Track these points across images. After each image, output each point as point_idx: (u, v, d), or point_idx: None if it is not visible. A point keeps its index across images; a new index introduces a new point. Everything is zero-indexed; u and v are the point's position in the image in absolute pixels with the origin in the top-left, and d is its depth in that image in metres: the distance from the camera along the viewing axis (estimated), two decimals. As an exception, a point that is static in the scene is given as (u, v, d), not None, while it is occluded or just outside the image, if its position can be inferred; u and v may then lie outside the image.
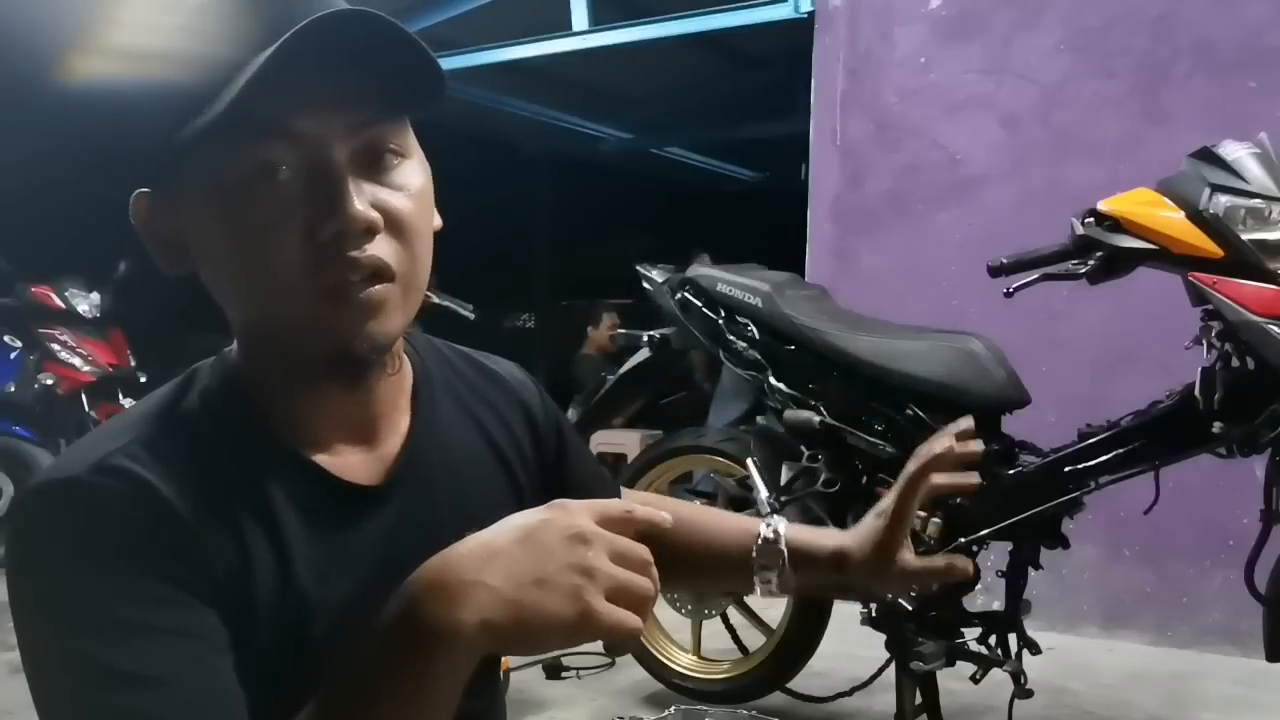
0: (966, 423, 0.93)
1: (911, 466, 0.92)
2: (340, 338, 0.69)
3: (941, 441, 0.91)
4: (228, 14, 0.69)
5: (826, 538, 0.98)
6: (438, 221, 0.78)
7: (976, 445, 0.92)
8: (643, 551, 0.63)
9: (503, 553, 0.60)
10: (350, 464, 0.76)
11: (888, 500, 0.95)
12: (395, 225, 0.70)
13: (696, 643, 2.77)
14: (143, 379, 4.98)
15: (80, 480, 0.66)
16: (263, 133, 0.67)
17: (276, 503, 0.71)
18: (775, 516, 0.98)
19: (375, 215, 0.68)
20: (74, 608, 0.64)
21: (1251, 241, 1.77)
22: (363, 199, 0.68)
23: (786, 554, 0.95)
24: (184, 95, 0.67)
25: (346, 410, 0.76)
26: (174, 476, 0.67)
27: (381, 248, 0.69)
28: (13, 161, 5.10)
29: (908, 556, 0.94)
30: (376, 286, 0.69)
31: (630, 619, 0.60)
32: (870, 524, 0.96)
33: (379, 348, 0.71)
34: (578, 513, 0.62)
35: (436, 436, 0.82)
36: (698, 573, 1.03)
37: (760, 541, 0.95)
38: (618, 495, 1.01)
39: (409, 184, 0.72)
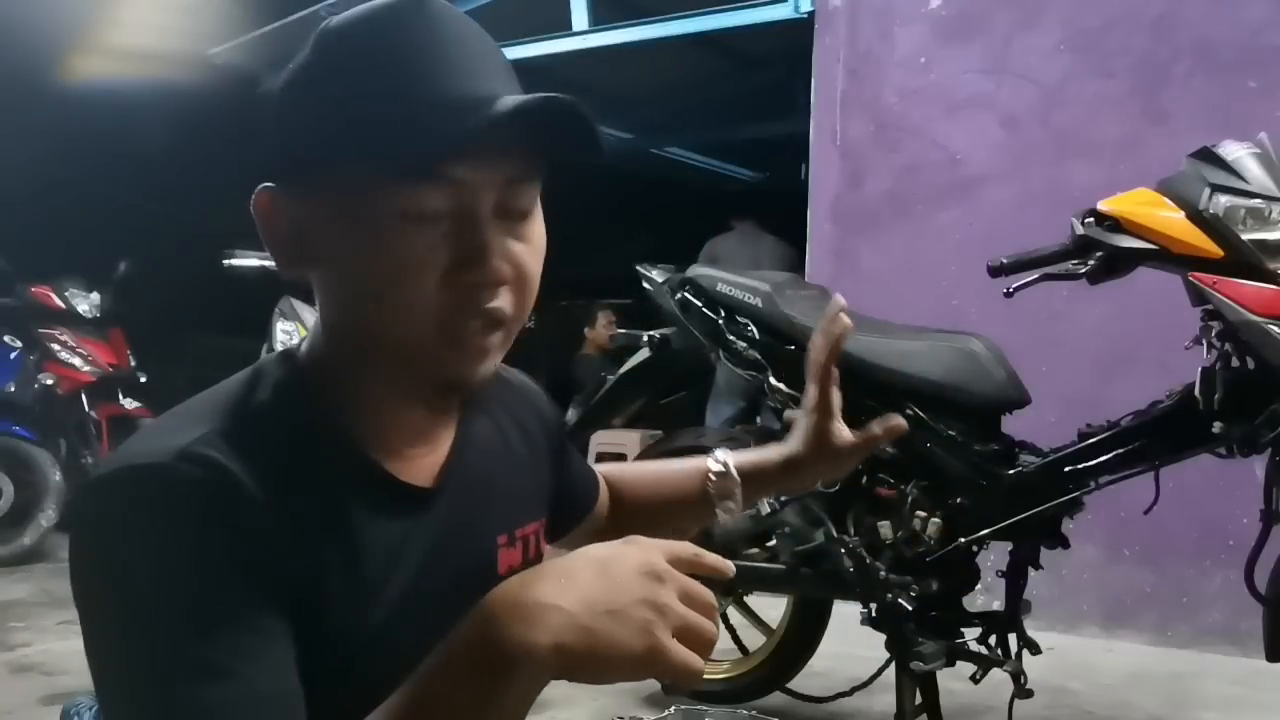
0: (840, 303, 1.06)
1: (813, 355, 1.06)
2: (450, 374, 0.73)
3: (823, 328, 1.06)
4: (390, 47, 0.70)
5: (771, 452, 1.08)
6: None
7: (844, 320, 1.05)
8: (709, 596, 0.64)
9: (579, 580, 0.61)
10: (408, 466, 0.78)
11: (810, 395, 1.08)
12: (519, 278, 0.74)
13: (696, 643, 2.77)
14: (143, 379, 4.98)
15: (166, 466, 0.66)
16: (426, 176, 0.68)
17: (344, 499, 0.73)
18: (720, 450, 1.07)
19: (508, 269, 0.72)
20: (153, 592, 0.64)
21: (1251, 241, 1.77)
22: (500, 253, 0.71)
23: (739, 480, 1.04)
24: (347, 112, 0.69)
25: (419, 421, 0.79)
26: (252, 469, 0.68)
27: (505, 300, 0.73)
28: (14, 162, 5.10)
29: (846, 435, 1.07)
30: (491, 336, 0.73)
31: (695, 660, 0.61)
32: (803, 422, 1.08)
33: (479, 387, 0.75)
34: (651, 550, 0.64)
35: (477, 441, 0.85)
36: (663, 519, 1.10)
37: (713, 477, 1.04)
38: (597, 483, 1.08)
39: (535, 239, 0.76)
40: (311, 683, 0.67)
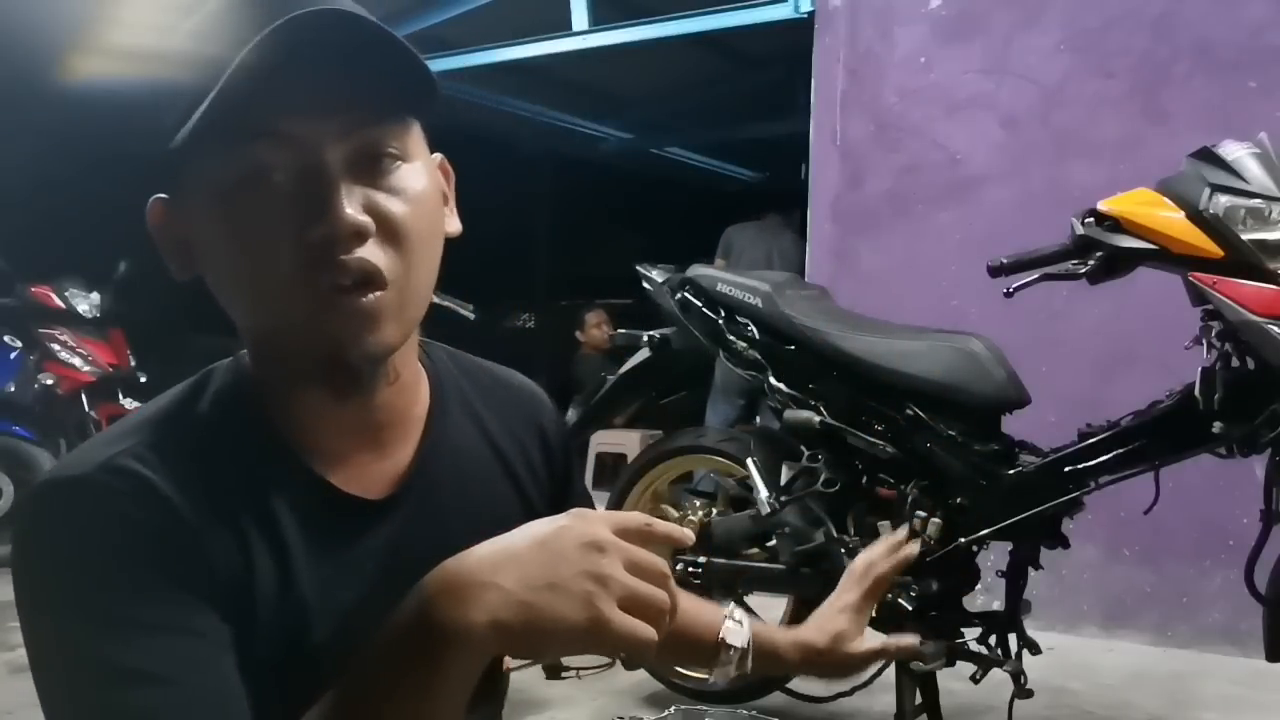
0: (901, 534, 1.10)
1: (861, 565, 1.07)
2: (332, 346, 0.69)
3: (878, 550, 1.07)
4: (225, 17, 0.69)
5: (784, 634, 1.05)
6: (454, 227, 0.77)
7: (911, 549, 1.08)
8: (660, 564, 0.63)
9: (517, 556, 0.60)
10: (358, 475, 0.76)
11: (846, 598, 1.05)
12: (389, 230, 0.69)
13: (696, 643, 2.77)
14: (143, 379, 4.98)
15: (86, 479, 0.66)
16: (254, 134, 0.66)
17: (280, 512, 0.71)
18: (738, 612, 1.01)
19: (365, 219, 0.67)
20: (79, 605, 0.64)
21: (1251, 241, 1.77)
22: (354, 202, 0.67)
23: (751, 652, 0.99)
24: (184, 97, 0.67)
25: (350, 418, 0.75)
26: (179, 479, 0.68)
27: (373, 253, 0.68)
28: (13, 162, 5.10)
29: (864, 644, 1.06)
30: (369, 296, 0.68)
31: (643, 629, 0.60)
32: (828, 622, 1.05)
33: (372, 358, 0.71)
34: (595, 521, 0.63)
35: (448, 448, 0.81)
36: (661, 650, 1.06)
37: (727, 633, 0.98)
38: None
39: (407, 188, 0.71)
40: (263, 692, 0.67)
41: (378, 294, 0.68)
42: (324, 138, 0.67)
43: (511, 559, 0.60)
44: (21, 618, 0.67)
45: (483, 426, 0.86)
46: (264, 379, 0.75)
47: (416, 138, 0.73)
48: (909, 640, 1.11)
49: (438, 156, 0.79)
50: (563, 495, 0.94)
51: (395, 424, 0.78)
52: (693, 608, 1.02)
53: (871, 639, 1.06)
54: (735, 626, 0.99)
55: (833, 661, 1.04)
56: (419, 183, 0.72)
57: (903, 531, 1.09)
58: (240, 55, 0.63)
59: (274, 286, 0.68)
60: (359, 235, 0.67)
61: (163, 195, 0.74)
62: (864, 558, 1.07)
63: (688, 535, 0.67)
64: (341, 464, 0.75)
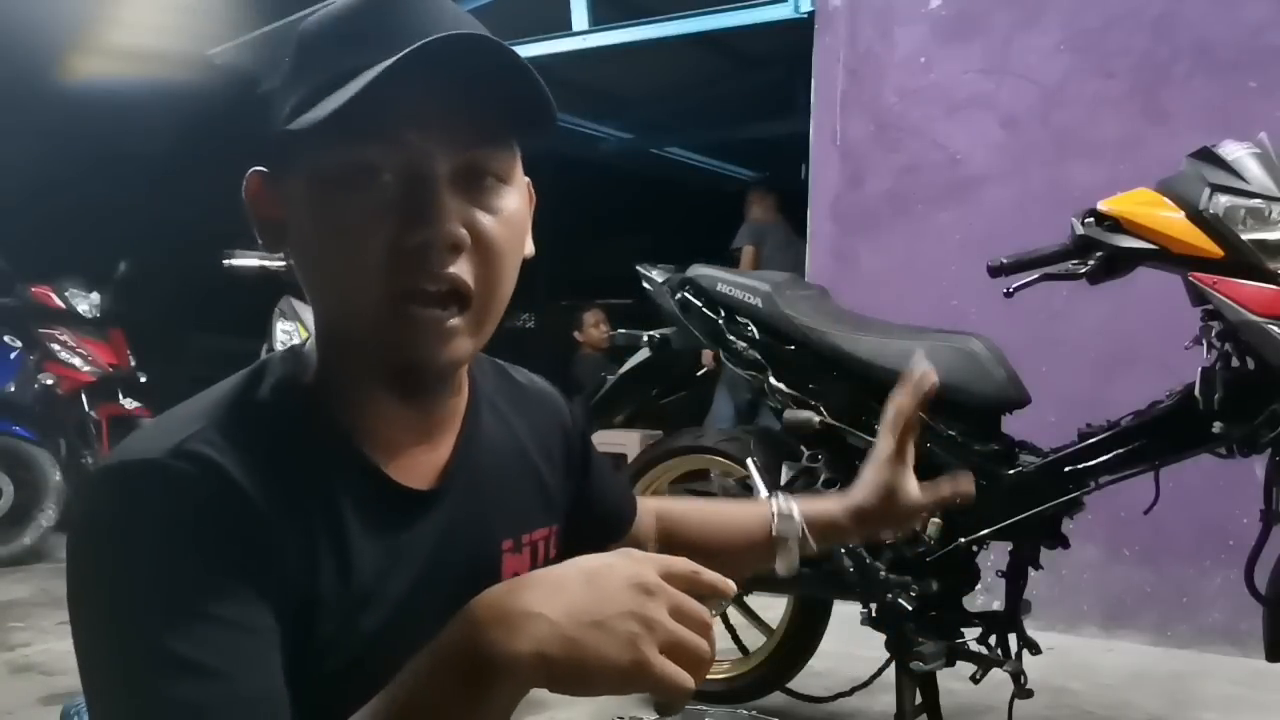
0: (925, 362, 1.05)
1: (891, 411, 1.02)
2: (407, 355, 0.71)
3: (901, 393, 1.03)
4: (358, 22, 0.71)
5: (834, 503, 1.04)
6: (530, 249, 0.80)
7: (931, 377, 1.03)
8: (703, 613, 0.63)
9: (565, 589, 0.60)
10: (407, 467, 0.78)
11: (883, 447, 1.02)
12: (481, 247, 0.71)
13: (696, 643, 2.77)
14: (143, 379, 4.98)
15: (159, 463, 0.66)
16: (370, 136, 0.68)
17: (340, 499, 0.73)
18: (781, 496, 1.04)
19: (463, 232, 0.69)
20: (142, 588, 0.64)
21: (1251, 241, 1.77)
22: (455, 216, 0.69)
23: (805, 529, 1.02)
24: (309, 85, 0.70)
25: (409, 417, 0.77)
26: (247, 466, 0.68)
27: (464, 268, 0.70)
28: (14, 162, 5.10)
29: (916, 492, 1.03)
30: (452, 321, 0.71)
31: (682, 676, 0.60)
32: (874, 476, 1.03)
33: (444, 373, 0.74)
34: (643, 562, 0.63)
35: (483, 443, 0.84)
36: (721, 558, 1.05)
37: (777, 523, 1.02)
38: (633, 505, 1.04)
39: (504, 208, 0.73)
40: (304, 683, 0.67)
41: (459, 318, 0.71)
42: (435, 149, 0.69)
43: (559, 591, 0.60)
44: (77, 598, 0.66)
45: (509, 424, 0.89)
46: (328, 370, 0.77)
47: (517, 161, 0.76)
48: (966, 484, 1.06)
49: (526, 179, 0.81)
50: (588, 478, 0.97)
51: (445, 420, 0.81)
52: (739, 513, 1.06)
53: (922, 487, 1.04)
54: (785, 518, 1.02)
55: (889, 515, 1.03)
56: (514, 205, 0.74)
57: (920, 367, 1.04)
58: (386, 62, 0.65)
59: (362, 283, 0.69)
60: (455, 248, 0.69)
61: (261, 169, 0.76)
62: (891, 405, 1.03)
63: (731, 587, 0.67)
64: (395, 455, 0.77)
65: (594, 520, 0.97)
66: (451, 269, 0.70)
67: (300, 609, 0.69)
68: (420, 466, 0.79)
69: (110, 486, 0.67)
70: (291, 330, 4.27)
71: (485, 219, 0.72)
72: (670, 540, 1.06)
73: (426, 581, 0.75)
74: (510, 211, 0.74)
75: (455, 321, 0.71)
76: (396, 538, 0.75)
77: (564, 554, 0.88)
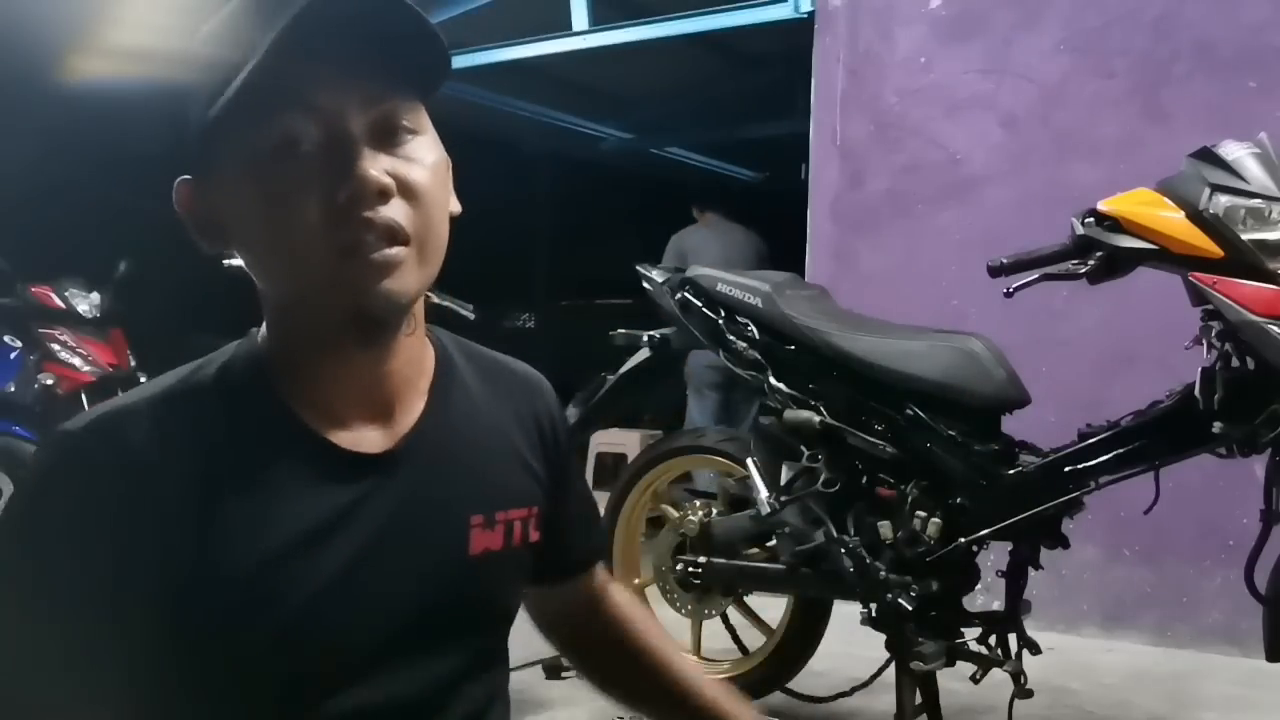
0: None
1: None
2: (355, 295, 0.73)
3: None
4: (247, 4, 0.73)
5: None
6: (455, 206, 0.81)
7: None
8: None
9: None
10: (360, 438, 0.79)
11: None
12: (408, 191, 0.74)
13: (696, 643, 2.77)
14: (142, 379, 4.97)
15: (73, 434, 0.72)
16: (283, 105, 0.71)
17: (273, 466, 0.75)
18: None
19: (388, 179, 0.72)
20: (21, 574, 0.69)
21: (1251, 241, 1.77)
22: (377, 165, 0.72)
23: None
24: (217, 75, 0.71)
25: (364, 380, 0.79)
26: (166, 437, 0.72)
27: (396, 210, 0.73)
28: (13, 162, 5.10)
29: None
30: (391, 249, 0.73)
31: None
32: None
33: (394, 306, 0.75)
34: None
35: (452, 418, 0.84)
36: (640, 695, 1.07)
37: None
38: (591, 555, 1.04)
39: (422, 157, 0.76)
40: (257, 649, 0.70)
41: (399, 248, 0.73)
42: (348, 108, 0.72)
43: None
44: None
45: (484, 399, 0.89)
46: (279, 346, 0.79)
47: (425, 115, 0.79)
48: None
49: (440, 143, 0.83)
50: (561, 493, 0.94)
51: (401, 393, 0.81)
52: (691, 689, 1.07)
53: None
54: None
55: None
56: (432, 153, 0.78)
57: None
58: (278, 30, 0.68)
59: (303, 246, 0.72)
60: (382, 194, 0.72)
61: (188, 177, 0.78)
62: None
63: None
64: (345, 423, 0.78)
65: (554, 542, 0.93)
66: (384, 213, 0.72)
67: (215, 573, 0.70)
68: (372, 439, 0.79)
69: (36, 455, 0.74)
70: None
71: (406, 166, 0.75)
72: (610, 629, 1.04)
73: (377, 548, 0.76)
74: (431, 159, 0.77)
75: (396, 251, 0.73)
76: (348, 502, 0.76)
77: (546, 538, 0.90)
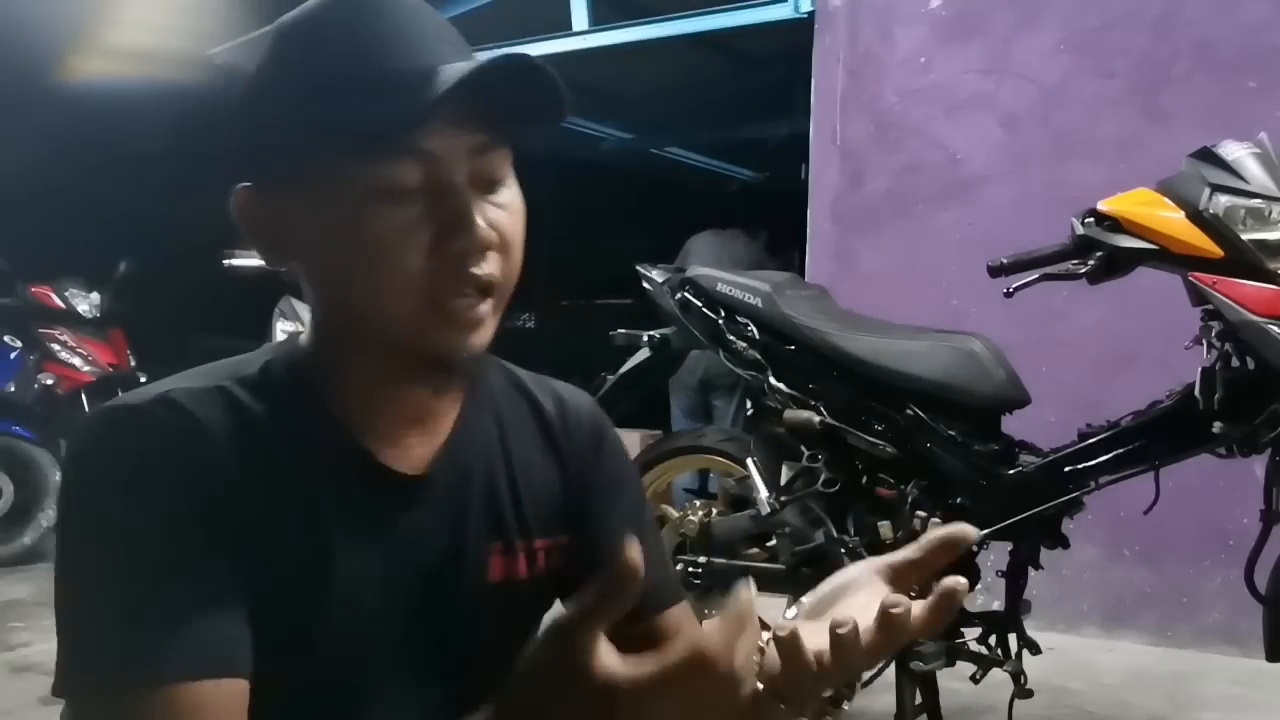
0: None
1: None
2: (440, 345, 0.73)
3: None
4: (339, 24, 0.72)
5: None
6: None
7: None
8: None
9: None
10: (402, 454, 0.78)
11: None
12: (504, 243, 0.74)
13: (696, 643, 2.77)
14: (142, 379, 4.98)
15: (139, 408, 0.70)
16: (395, 150, 0.69)
17: (320, 475, 0.74)
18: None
19: (494, 234, 0.72)
20: (110, 534, 0.67)
21: (1251, 241, 1.77)
22: (484, 216, 0.72)
23: None
24: (305, 94, 0.70)
25: (411, 404, 0.79)
26: (226, 426, 0.71)
27: (493, 265, 0.73)
28: (13, 162, 5.10)
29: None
30: (481, 308, 0.73)
31: None
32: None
33: (470, 357, 0.76)
34: None
35: (478, 435, 0.83)
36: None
37: None
38: (670, 597, 0.92)
39: (513, 204, 0.76)
40: (270, 651, 0.69)
41: (488, 302, 0.74)
42: (458, 156, 0.71)
43: None
44: (58, 528, 0.70)
45: (514, 425, 0.87)
46: (327, 359, 0.78)
47: (510, 160, 0.78)
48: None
49: None
50: (603, 525, 0.89)
51: (443, 407, 0.81)
52: None
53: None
54: None
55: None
56: (518, 200, 0.77)
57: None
58: (447, 79, 0.67)
59: (396, 291, 0.71)
60: (488, 249, 0.72)
61: (246, 184, 0.76)
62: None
63: None
64: (391, 444, 0.78)
65: (596, 561, 0.85)
66: (486, 269, 0.72)
67: (260, 574, 0.70)
68: (416, 454, 0.79)
69: (92, 429, 0.71)
70: (291, 330, 4.29)
71: (501, 215, 0.74)
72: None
73: (401, 565, 0.76)
74: (517, 204, 0.76)
75: (484, 309, 0.73)
76: (384, 520, 0.76)
77: (579, 572, 0.82)
